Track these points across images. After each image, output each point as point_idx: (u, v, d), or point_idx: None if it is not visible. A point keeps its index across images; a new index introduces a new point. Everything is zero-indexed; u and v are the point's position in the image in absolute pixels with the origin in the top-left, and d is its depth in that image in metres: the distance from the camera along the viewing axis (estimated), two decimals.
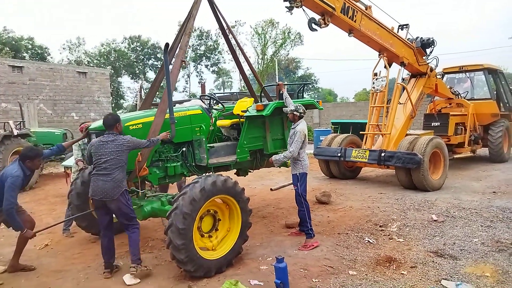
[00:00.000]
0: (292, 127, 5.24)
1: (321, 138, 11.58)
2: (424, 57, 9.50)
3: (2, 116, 15.32)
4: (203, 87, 28.37)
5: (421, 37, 9.26)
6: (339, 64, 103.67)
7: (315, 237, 5.10)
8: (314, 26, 6.89)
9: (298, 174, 5.17)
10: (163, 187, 6.88)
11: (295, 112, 5.17)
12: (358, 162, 8.67)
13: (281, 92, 5.74)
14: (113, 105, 26.92)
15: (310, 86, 54.60)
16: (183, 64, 5.13)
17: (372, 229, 5.63)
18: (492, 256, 4.45)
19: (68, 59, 42.07)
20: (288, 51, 43.10)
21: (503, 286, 3.74)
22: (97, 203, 4.21)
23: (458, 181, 8.84)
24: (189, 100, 12.01)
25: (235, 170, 6.15)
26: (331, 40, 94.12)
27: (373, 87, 8.83)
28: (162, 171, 4.91)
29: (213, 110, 6.11)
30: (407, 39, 9.07)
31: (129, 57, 45.27)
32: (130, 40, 45.85)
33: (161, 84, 5.77)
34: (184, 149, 5.06)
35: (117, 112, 28.75)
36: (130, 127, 4.58)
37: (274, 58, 40.01)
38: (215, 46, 47.85)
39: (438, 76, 10.35)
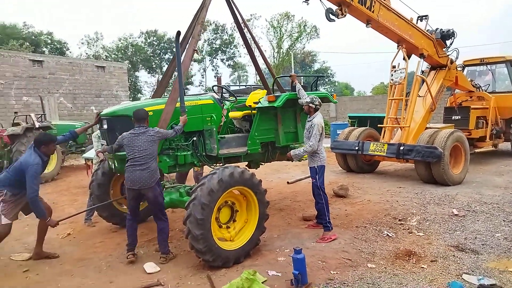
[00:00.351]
0: (308, 119, 5.18)
1: (338, 132, 11.47)
2: (444, 49, 9.29)
3: (24, 109, 15.74)
4: (219, 80, 28.36)
5: (441, 29, 9.06)
6: (356, 58, 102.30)
7: (333, 230, 5.08)
8: (331, 16, 6.82)
9: (316, 167, 5.13)
10: (181, 178, 6.98)
11: (310, 104, 5.09)
12: (376, 156, 8.57)
13: (294, 84, 5.60)
14: (131, 99, 27.17)
15: (326, 79, 54.10)
16: (196, 54, 5.10)
17: (391, 222, 5.57)
18: None
19: (86, 53, 42.84)
20: (304, 44, 42.83)
21: None
22: (133, 192, 4.32)
23: (479, 175, 8.66)
24: (205, 94, 12.00)
25: (246, 163, 6.11)
26: (347, 33, 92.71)
27: (392, 79, 8.69)
28: (172, 159, 4.90)
29: (226, 102, 6.04)
30: (427, 31, 8.88)
31: (146, 51, 45.71)
32: (146, 34, 46.27)
33: (174, 74, 5.74)
34: (194, 138, 5.02)
35: None
36: None
37: (290, 52, 39.76)
38: (231, 40, 47.85)
39: (459, 69, 10.12)
